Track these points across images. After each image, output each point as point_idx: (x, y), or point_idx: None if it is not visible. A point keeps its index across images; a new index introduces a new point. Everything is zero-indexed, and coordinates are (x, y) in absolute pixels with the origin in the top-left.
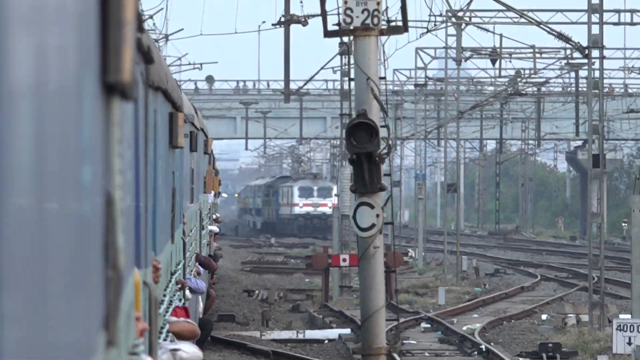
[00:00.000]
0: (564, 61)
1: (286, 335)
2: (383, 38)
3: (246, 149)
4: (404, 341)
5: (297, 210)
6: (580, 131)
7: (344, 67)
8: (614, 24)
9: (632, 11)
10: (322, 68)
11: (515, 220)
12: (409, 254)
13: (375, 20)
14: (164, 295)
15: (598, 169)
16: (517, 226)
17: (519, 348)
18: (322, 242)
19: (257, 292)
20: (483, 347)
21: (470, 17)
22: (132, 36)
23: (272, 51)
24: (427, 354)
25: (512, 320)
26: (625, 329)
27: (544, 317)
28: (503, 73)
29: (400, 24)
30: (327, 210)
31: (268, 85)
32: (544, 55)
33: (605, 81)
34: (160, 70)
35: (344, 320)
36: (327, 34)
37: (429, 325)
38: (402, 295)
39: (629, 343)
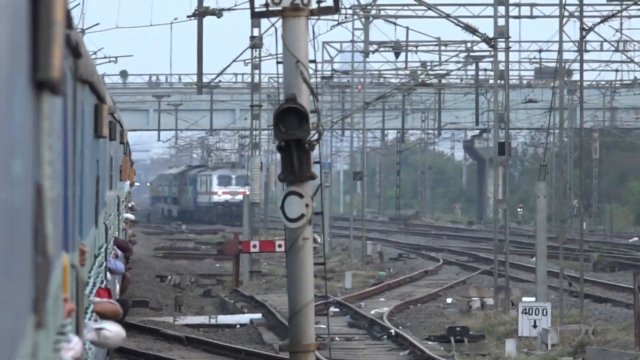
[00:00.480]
0: (466, 53)
1: (199, 320)
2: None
3: (158, 140)
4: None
5: (215, 198)
6: (479, 121)
7: (254, 60)
8: (516, 17)
9: (532, 5)
10: (234, 60)
11: (415, 206)
12: (316, 240)
13: (306, 0)
14: (89, 277)
15: (503, 156)
16: (417, 212)
17: (426, 332)
18: (232, 228)
19: (169, 277)
20: (392, 331)
21: (379, 11)
22: (61, 35)
23: (185, 45)
24: (337, 338)
25: (418, 304)
26: (530, 312)
27: (449, 300)
28: (410, 65)
29: (331, 4)
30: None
31: (180, 78)
32: (449, 48)
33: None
34: (87, 64)
35: (255, 305)
36: (254, 14)
37: (337, 310)
38: (314, 281)
39: (535, 326)
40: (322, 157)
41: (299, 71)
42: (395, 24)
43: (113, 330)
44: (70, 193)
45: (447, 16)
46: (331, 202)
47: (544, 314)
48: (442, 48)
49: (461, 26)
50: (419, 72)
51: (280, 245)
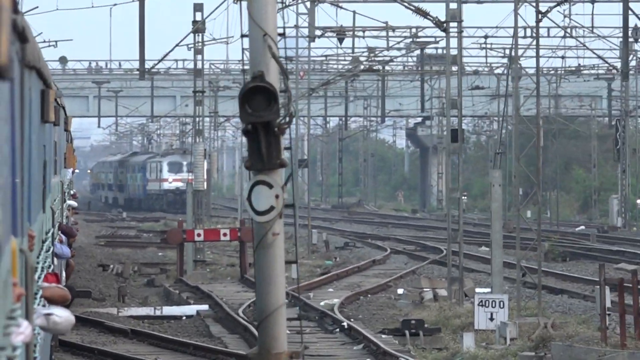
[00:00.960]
0: (411, 39)
1: (143, 311)
2: None
3: (99, 126)
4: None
5: (166, 185)
6: (424, 108)
7: (197, 45)
8: (464, 2)
9: None
10: (176, 45)
11: (357, 194)
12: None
13: None
14: (37, 262)
15: (456, 143)
16: (360, 200)
17: (379, 324)
18: (174, 216)
19: (111, 266)
20: (345, 324)
21: None
22: (8, 21)
23: (126, 29)
24: (288, 331)
25: (369, 295)
26: (486, 305)
27: (400, 291)
28: (356, 51)
29: None
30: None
31: (120, 64)
32: (395, 33)
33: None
34: (33, 49)
35: (200, 296)
36: None
37: (286, 301)
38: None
39: (491, 319)
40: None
41: (267, 46)
42: (340, 7)
43: (62, 316)
44: (18, 178)
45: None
46: None
47: (501, 306)
48: (390, 33)
49: (411, 9)
50: (362, 59)
51: (225, 234)
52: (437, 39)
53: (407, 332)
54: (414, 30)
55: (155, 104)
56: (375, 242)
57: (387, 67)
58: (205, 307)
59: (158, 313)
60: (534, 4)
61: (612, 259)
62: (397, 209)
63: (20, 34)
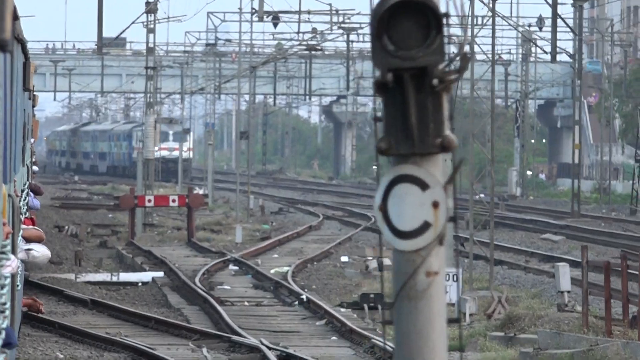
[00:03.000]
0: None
1: (100, 277)
2: None
3: (54, 100)
4: (218, 286)
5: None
6: (342, 87)
7: (149, 24)
8: None
9: None
10: (132, 22)
11: (276, 162)
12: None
13: None
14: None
15: None
16: (281, 167)
17: (333, 295)
18: (119, 179)
19: (66, 227)
20: (304, 297)
21: None
22: (11, 4)
23: (80, 13)
24: (246, 303)
25: (315, 263)
26: None
27: (344, 259)
28: (290, 33)
29: None
30: (184, 154)
31: (74, 45)
32: (324, 18)
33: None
34: (19, 25)
35: (154, 261)
36: None
37: (237, 268)
38: (200, 233)
39: (445, 292)
40: (207, 118)
41: None
42: None
43: (40, 251)
44: (8, 136)
45: None
46: (213, 157)
47: (455, 280)
48: (320, 18)
49: None
50: (290, 43)
51: (174, 201)
52: (362, 25)
53: (365, 305)
54: (341, 17)
55: (105, 81)
56: (305, 207)
57: (314, 51)
58: (160, 274)
59: (115, 279)
60: None
61: (528, 227)
62: (314, 176)
63: (13, 13)
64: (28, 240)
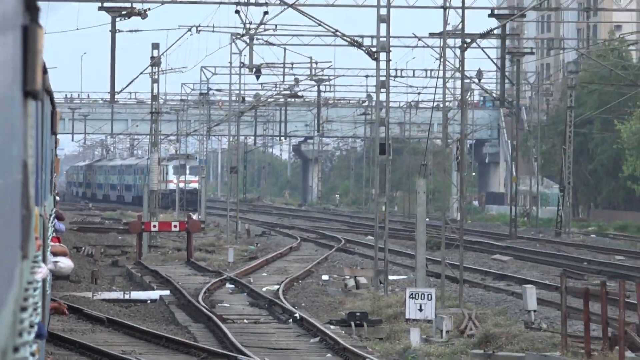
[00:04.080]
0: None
1: (114, 295)
2: None
3: (72, 140)
4: (219, 304)
5: (171, 186)
6: (309, 130)
7: (153, 75)
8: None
9: None
10: (141, 73)
11: (253, 192)
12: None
13: None
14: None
15: (384, 155)
16: (259, 196)
17: (321, 311)
18: (125, 206)
19: (83, 248)
20: (297, 315)
21: (266, 29)
22: (42, 58)
23: (93, 64)
24: (245, 321)
25: (300, 281)
26: (416, 297)
27: (324, 277)
28: (273, 83)
29: None
30: (197, 185)
31: (88, 95)
32: (300, 69)
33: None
34: (47, 78)
35: (160, 280)
36: None
37: (233, 286)
38: (197, 253)
39: (420, 309)
40: (201, 155)
41: None
42: (272, 44)
43: (65, 263)
44: (40, 169)
45: (335, 32)
46: (205, 188)
47: (429, 299)
48: (300, 70)
49: (348, 41)
50: (270, 92)
51: (175, 226)
52: (330, 77)
53: (352, 323)
54: (314, 70)
55: (114, 125)
56: (283, 230)
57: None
58: (166, 292)
59: (127, 297)
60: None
61: (475, 248)
62: (286, 203)
63: (43, 68)
64: (55, 254)
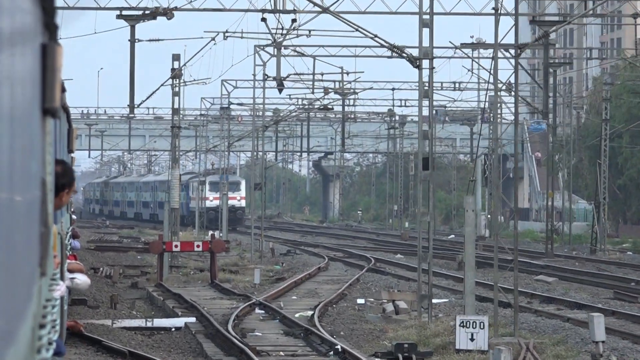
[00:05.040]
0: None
1: (135, 323)
2: None
3: (89, 157)
4: (250, 333)
5: (207, 203)
6: (328, 145)
7: (174, 88)
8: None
9: None
10: (162, 85)
11: (273, 208)
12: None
13: None
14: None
15: (427, 170)
16: (279, 212)
17: (361, 341)
18: (143, 223)
19: (101, 269)
20: (339, 347)
21: (295, 37)
22: (60, 76)
23: (110, 79)
24: (282, 354)
25: (334, 305)
26: (467, 326)
27: (360, 301)
28: (295, 96)
29: None
30: (236, 203)
31: (105, 111)
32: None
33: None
34: (64, 97)
35: (184, 305)
36: None
37: (263, 312)
38: (220, 274)
39: (472, 339)
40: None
41: None
42: (304, 54)
43: (82, 279)
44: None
45: (375, 36)
46: (227, 207)
47: (481, 327)
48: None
49: (386, 47)
50: (292, 107)
51: (198, 246)
52: (357, 90)
53: (400, 356)
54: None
55: (132, 141)
56: (308, 249)
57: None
58: (192, 319)
59: (149, 324)
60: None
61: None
62: (307, 220)
63: (61, 86)
64: (71, 271)
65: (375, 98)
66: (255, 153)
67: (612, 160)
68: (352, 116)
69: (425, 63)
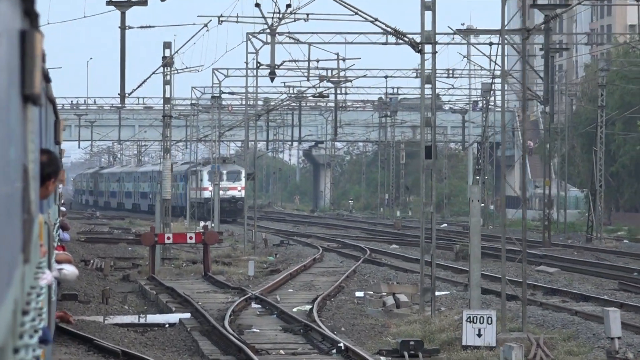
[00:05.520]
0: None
1: (128, 319)
2: None
3: (78, 147)
4: (247, 330)
5: (207, 194)
6: (319, 134)
7: (166, 76)
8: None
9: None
10: (153, 73)
11: (263, 198)
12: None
13: None
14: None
15: (430, 159)
16: (270, 202)
17: (363, 337)
18: (134, 214)
19: (92, 261)
20: (342, 345)
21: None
22: (40, 63)
23: (99, 68)
24: (282, 352)
25: (332, 299)
26: (474, 321)
27: (359, 294)
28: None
29: None
30: (237, 193)
31: (95, 101)
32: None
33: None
34: (51, 90)
35: (178, 299)
36: None
37: (260, 306)
38: (213, 266)
39: (479, 335)
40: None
41: None
42: (299, 41)
43: (70, 270)
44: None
45: (375, 20)
46: (219, 197)
47: (489, 322)
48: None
49: (389, 31)
50: (284, 94)
51: (191, 238)
52: (350, 78)
53: (406, 354)
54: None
55: (121, 131)
56: (301, 239)
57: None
58: (187, 315)
59: (142, 321)
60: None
61: (510, 257)
62: (298, 209)
63: (46, 76)
64: (59, 262)
65: (368, 86)
66: (248, 143)
67: (605, 147)
68: (344, 105)
69: (427, 48)
